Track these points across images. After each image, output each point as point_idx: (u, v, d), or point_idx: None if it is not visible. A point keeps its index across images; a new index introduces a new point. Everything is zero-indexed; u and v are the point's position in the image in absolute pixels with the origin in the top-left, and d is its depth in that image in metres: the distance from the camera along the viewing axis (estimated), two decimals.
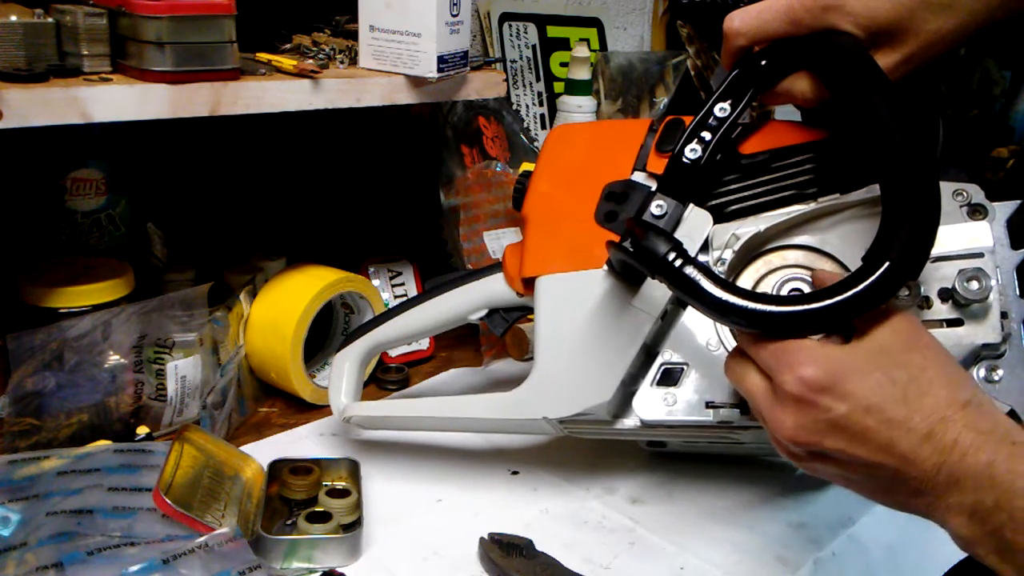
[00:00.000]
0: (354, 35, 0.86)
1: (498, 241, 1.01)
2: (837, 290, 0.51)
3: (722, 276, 0.57)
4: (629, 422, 0.68)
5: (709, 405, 0.64)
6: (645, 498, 0.74)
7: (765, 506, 0.73)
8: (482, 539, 0.65)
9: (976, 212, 0.61)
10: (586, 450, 0.80)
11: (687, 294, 0.54)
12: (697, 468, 0.78)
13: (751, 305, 0.52)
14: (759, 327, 0.53)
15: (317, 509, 0.68)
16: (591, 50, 1.15)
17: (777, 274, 0.64)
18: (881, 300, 0.51)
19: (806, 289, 0.61)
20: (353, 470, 0.72)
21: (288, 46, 0.87)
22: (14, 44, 0.66)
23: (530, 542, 0.65)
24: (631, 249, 0.55)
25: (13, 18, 0.66)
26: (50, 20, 0.68)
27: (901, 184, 0.52)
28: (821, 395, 0.49)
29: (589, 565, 0.65)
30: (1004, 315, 0.59)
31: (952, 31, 0.58)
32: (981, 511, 0.46)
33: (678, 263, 0.53)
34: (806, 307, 0.52)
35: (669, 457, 0.79)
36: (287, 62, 0.79)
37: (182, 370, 0.78)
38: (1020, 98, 1.63)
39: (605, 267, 0.67)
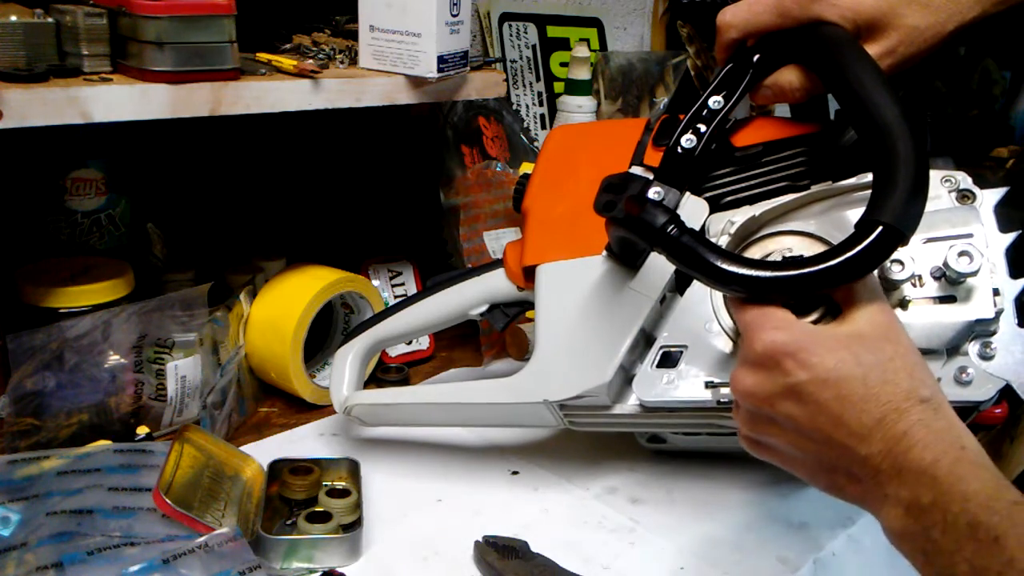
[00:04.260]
0: (354, 35, 0.86)
1: (498, 241, 1.01)
2: (833, 254, 0.52)
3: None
4: (629, 407, 0.68)
5: (708, 385, 0.64)
6: (645, 498, 0.75)
7: (765, 506, 0.73)
8: (477, 542, 0.65)
9: (965, 197, 0.63)
10: (586, 449, 0.81)
11: (686, 264, 0.55)
12: (698, 468, 0.78)
13: (750, 271, 0.53)
14: (759, 292, 0.54)
15: (317, 509, 0.68)
16: (591, 50, 1.15)
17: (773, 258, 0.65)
18: (875, 263, 0.52)
19: None
20: (353, 470, 0.72)
21: (288, 46, 0.87)
22: (14, 44, 0.66)
23: (525, 543, 0.65)
24: (630, 223, 0.56)
25: (13, 18, 0.66)
26: (50, 20, 0.68)
27: (891, 154, 0.53)
28: (783, 359, 0.51)
29: (589, 565, 0.65)
30: (996, 292, 0.60)
31: (931, 27, 0.61)
32: (916, 507, 0.46)
33: (675, 232, 0.54)
34: (804, 271, 0.52)
35: (669, 456, 0.79)
36: (287, 62, 0.79)
37: (182, 370, 0.78)
38: (1020, 98, 1.63)
39: (604, 252, 0.68)
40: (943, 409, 0.49)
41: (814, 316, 0.55)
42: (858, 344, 0.50)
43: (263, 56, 0.81)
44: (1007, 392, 0.60)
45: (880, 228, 0.51)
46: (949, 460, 0.46)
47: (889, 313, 0.53)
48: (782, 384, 0.51)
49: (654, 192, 0.64)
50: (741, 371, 0.54)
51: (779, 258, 0.64)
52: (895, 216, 0.51)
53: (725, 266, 0.53)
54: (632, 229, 0.56)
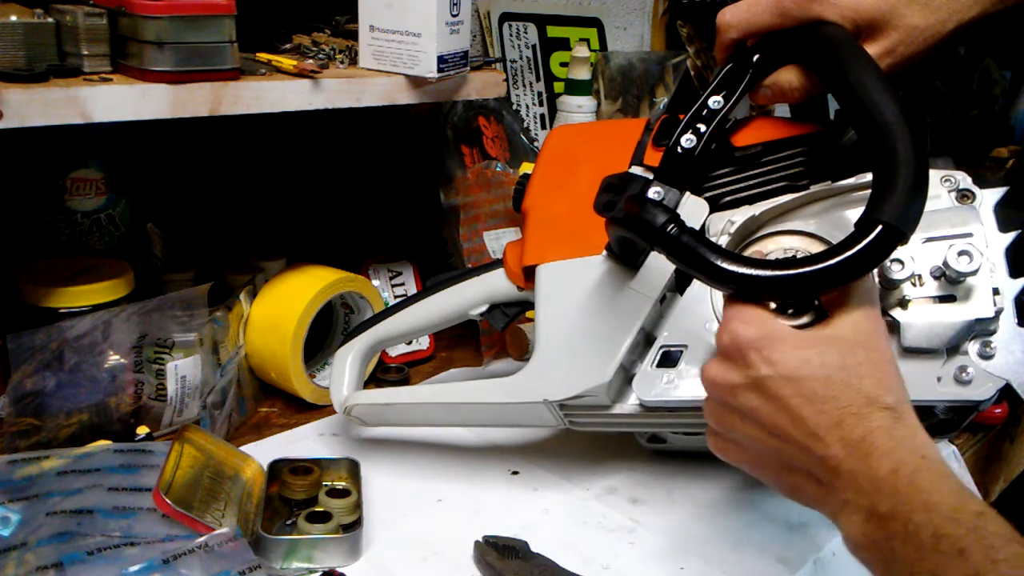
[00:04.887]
0: (354, 35, 0.86)
1: (498, 241, 1.01)
2: (833, 253, 0.52)
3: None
4: (629, 407, 0.68)
5: None
6: (645, 498, 0.75)
7: (765, 506, 0.73)
8: (477, 542, 0.65)
9: (964, 197, 0.63)
10: (586, 450, 0.81)
11: (686, 263, 0.55)
12: (697, 468, 0.78)
13: (750, 271, 0.53)
14: (758, 291, 0.54)
15: (317, 509, 0.68)
16: (591, 50, 1.15)
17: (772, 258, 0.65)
18: (875, 263, 0.52)
19: None
20: (353, 470, 0.72)
21: (288, 46, 0.87)
22: (14, 44, 0.66)
23: (525, 543, 0.65)
24: (630, 222, 0.56)
25: (13, 18, 0.66)
26: (50, 20, 0.68)
27: (891, 153, 0.54)
28: (748, 352, 0.51)
29: (589, 565, 0.65)
30: (996, 291, 0.60)
31: (931, 26, 0.61)
32: (875, 516, 0.46)
33: (675, 232, 0.54)
34: (804, 270, 0.53)
35: (669, 456, 0.79)
36: (287, 62, 0.79)
37: (182, 370, 0.78)
38: (1020, 98, 1.63)
39: (604, 252, 0.68)
40: (906, 418, 0.49)
41: (804, 320, 0.55)
42: (827, 345, 0.50)
43: (263, 56, 0.81)
44: (1007, 392, 0.60)
45: (880, 227, 0.51)
46: (910, 469, 0.46)
47: (875, 320, 0.53)
48: (745, 376, 0.51)
49: (654, 192, 0.64)
50: (711, 361, 0.54)
51: (778, 257, 0.64)
52: (895, 215, 0.51)
53: (725, 265, 0.53)
54: (632, 228, 0.56)
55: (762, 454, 0.53)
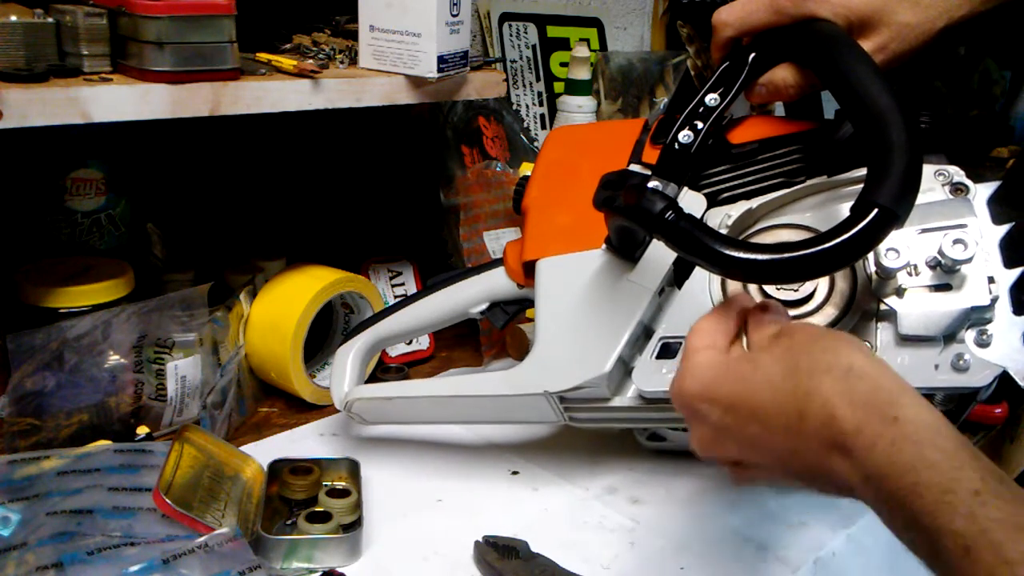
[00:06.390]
0: (354, 35, 0.86)
1: (498, 241, 1.01)
2: (830, 236, 0.52)
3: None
4: (628, 399, 0.69)
5: None
6: (645, 498, 0.75)
7: (765, 506, 0.73)
8: (477, 542, 0.65)
9: (958, 190, 0.64)
10: (586, 449, 0.81)
11: (685, 248, 0.55)
12: (698, 467, 0.78)
13: (748, 255, 0.53)
14: (757, 276, 0.55)
15: (317, 509, 0.68)
16: (591, 50, 1.15)
17: None
18: (871, 244, 0.53)
19: None
20: (353, 470, 0.72)
21: (288, 46, 0.87)
22: (14, 44, 0.66)
23: (526, 543, 0.65)
24: (629, 210, 0.56)
25: (13, 18, 0.66)
26: (50, 20, 0.68)
27: (885, 140, 0.54)
28: (695, 405, 0.52)
29: (589, 565, 0.65)
30: (991, 280, 0.60)
31: (922, 24, 0.63)
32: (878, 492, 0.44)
33: (673, 218, 0.55)
34: (801, 253, 0.53)
35: (669, 456, 0.79)
36: (287, 62, 0.79)
37: (182, 370, 0.78)
38: (1020, 98, 1.63)
39: (603, 246, 0.69)
40: (859, 369, 0.45)
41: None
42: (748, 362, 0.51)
43: (263, 56, 0.81)
44: (1007, 392, 0.60)
45: (876, 210, 0.52)
46: (886, 443, 0.43)
47: None
48: (710, 425, 0.52)
49: (652, 186, 0.64)
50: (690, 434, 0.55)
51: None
52: (890, 198, 0.52)
53: (724, 250, 0.53)
54: (631, 216, 0.57)
55: (777, 457, 0.50)
